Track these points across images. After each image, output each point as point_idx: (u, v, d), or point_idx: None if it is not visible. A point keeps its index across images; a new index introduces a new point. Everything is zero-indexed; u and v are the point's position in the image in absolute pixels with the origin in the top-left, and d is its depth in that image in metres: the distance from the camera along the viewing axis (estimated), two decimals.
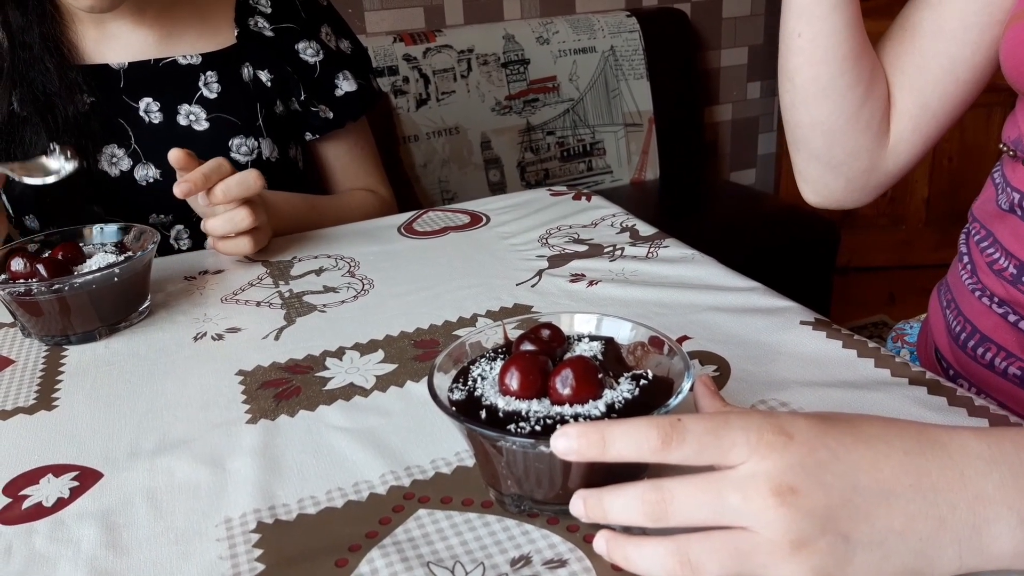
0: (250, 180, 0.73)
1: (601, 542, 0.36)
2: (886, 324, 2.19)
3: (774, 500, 0.32)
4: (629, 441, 0.34)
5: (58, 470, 0.48)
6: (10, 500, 0.45)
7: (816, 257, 1.91)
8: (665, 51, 2.14)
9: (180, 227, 0.91)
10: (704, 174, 2.35)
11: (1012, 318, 0.58)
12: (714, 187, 2.34)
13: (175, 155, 0.72)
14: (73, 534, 0.42)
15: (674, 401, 0.39)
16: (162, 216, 0.89)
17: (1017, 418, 0.46)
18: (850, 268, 2.32)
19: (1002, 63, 0.57)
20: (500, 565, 0.38)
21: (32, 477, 0.47)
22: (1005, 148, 0.60)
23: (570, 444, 0.34)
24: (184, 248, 0.91)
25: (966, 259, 0.64)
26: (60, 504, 0.45)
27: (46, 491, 0.46)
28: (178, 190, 0.70)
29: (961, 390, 0.48)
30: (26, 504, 0.45)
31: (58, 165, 0.75)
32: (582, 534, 0.39)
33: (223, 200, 0.72)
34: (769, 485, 0.32)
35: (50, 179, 0.73)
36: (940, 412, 0.47)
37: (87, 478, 0.47)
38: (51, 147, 0.76)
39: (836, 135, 0.65)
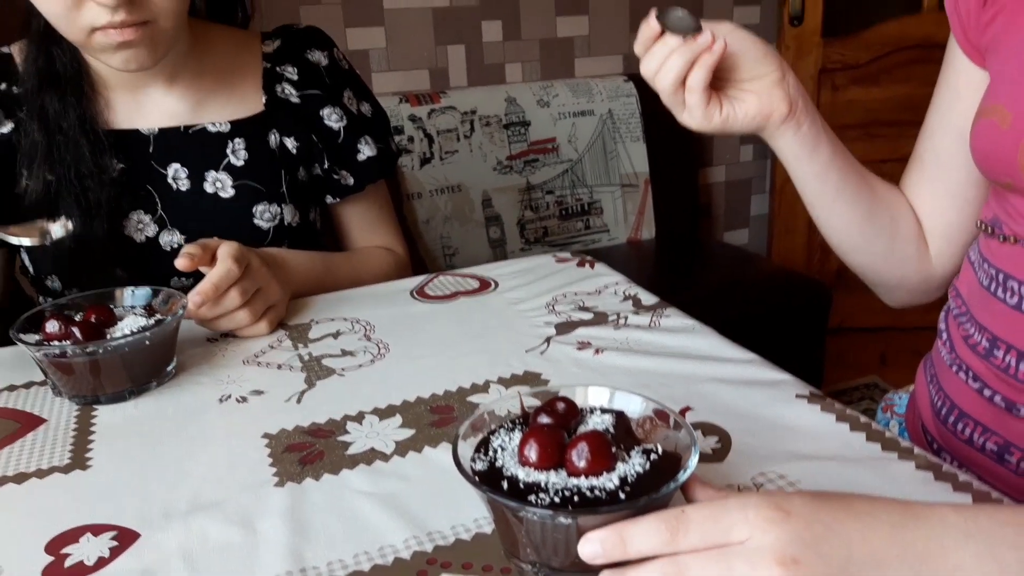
0: (231, 270, 0.76)
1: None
2: (877, 386, 2.23)
3: (779, 570, 0.35)
4: (644, 538, 0.38)
5: (96, 529, 0.50)
6: (52, 559, 0.48)
7: (809, 318, 1.96)
8: (661, 114, 2.18)
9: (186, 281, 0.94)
10: (698, 234, 2.40)
11: (987, 392, 0.61)
12: (708, 247, 2.40)
13: (183, 264, 0.75)
14: None
15: (683, 475, 0.42)
16: (183, 279, 0.93)
17: (999, 493, 0.49)
18: (843, 328, 2.36)
19: (972, 154, 0.63)
20: None
21: (72, 536, 0.50)
22: (982, 226, 0.64)
23: (595, 549, 0.38)
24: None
25: (944, 335, 0.68)
26: (101, 563, 0.47)
27: (87, 550, 0.48)
28: (180, 262, 0.74)
29: (947, 465, 0.52)
30: (68, 563, 0.47)
31: (57, 229, 0.79)
32: None
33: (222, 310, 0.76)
34: (774, 556, 0.35)
35: (44, 242, 0.76)
36: (927, 485, 0.50)
37: (125, 538, 0.49)
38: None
39: (880, 272, 0.75)
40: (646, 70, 0.65)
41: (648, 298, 0.83)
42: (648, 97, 2.18)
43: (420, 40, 2.06)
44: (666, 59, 0.63)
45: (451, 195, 2.03)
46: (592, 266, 0.94)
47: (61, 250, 0.86)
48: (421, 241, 2.03)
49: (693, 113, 0.65)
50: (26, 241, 0.77)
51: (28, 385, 0.71)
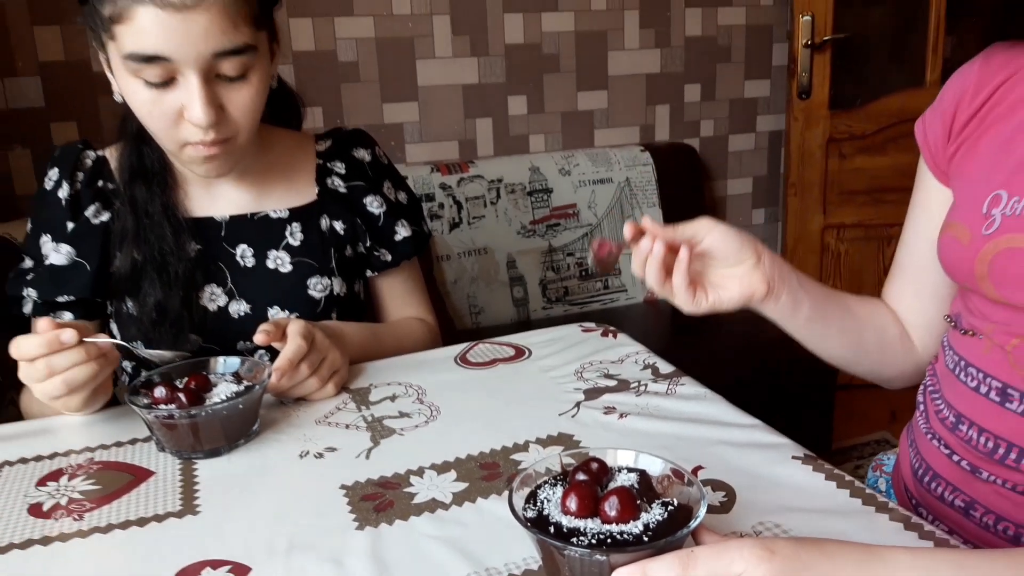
0: (300, 346, 0.87)
1: None
2: (888, 442, 2.30)
3: None
4: (662, 573, 0.48)
5: (215, 564, 0.62)
6: None
7: (818, 376, 2.05)
8: (676, 182, 2.35)
9: (262, 351, 1.07)
10: None
11: (955, 458, 0.72)
12: None
13: (261, 339, 0.87)
14: None
15: (694, 523, 0.53)
16: (248, 343, 1.05)
17: (959, 541, 0.59)
18: (852, 385, 2.44)
19: (940, 262, 0.74)
20: None
21: (195, 570, 0.61)
22: (948, 319, 0.76)
23: None
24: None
25: (922, 407, 0.79)
26: None
27: None
28: (258, 339, 0.87)
29: (916, 517, 0.62)
30: None
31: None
32: None
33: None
34: None
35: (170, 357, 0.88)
36: (898, 534, 0.61)
37: (239, 571, 0.61)
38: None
39: (879, 373, 0.87)
40: (635, 272, 0.74)
41: (665, 367, 0.95)
42: (663, 165, 2.32)
43: (451, 114, 2.22)
44: (645, 263, 0.72)
45: (478, 257, 2.16)
46: (615, 336, 1.06)
47: (145, 318, 0.98)
48: (449, 300, 2.16)
49: (682, 304, 0.74)
50: (155, 356, 0.88)
51: (133, 441, 0.83)
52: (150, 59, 0.83)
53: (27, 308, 0.99)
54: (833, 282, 2.51)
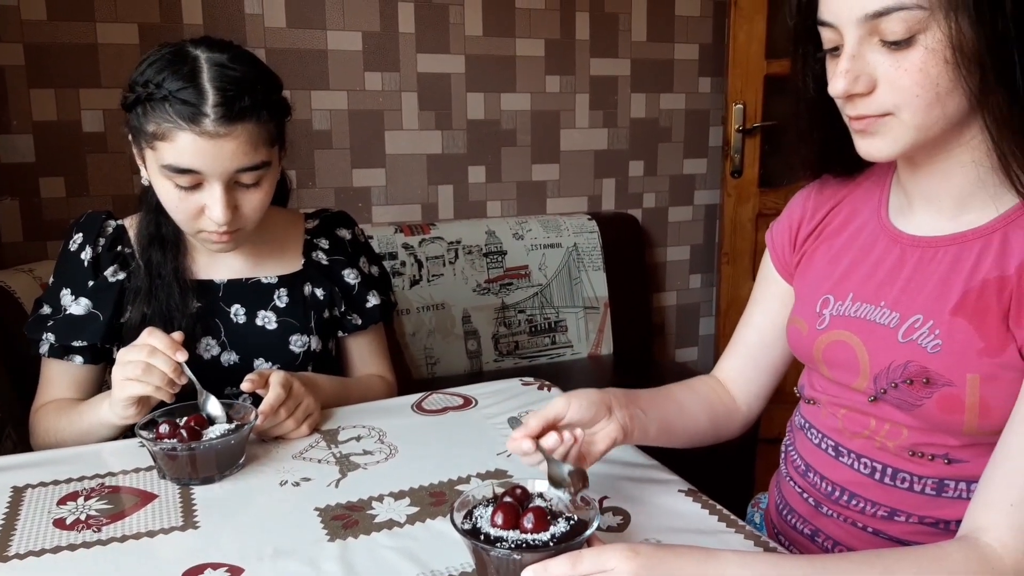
0: (280, 394, 1.04)
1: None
2: None
3: None
4: (557, 568, 0.65)
5: (214, 566, 0.77)
6: None
7: None
8: (620, 248, 2.57)
9: (246, 396, 1.23)
10: (652, 350, 2.72)
11: (804, 496, 0.92)
12: (661, 363, 2.72)
13: (247, 387, 1.04)
14: None
15: (587, 533, 0.71)
16: (234, 389, 1.21)
17: (784, 550, 0.78)
18: (778, 439, 2.65)
19: (788, 345, 0.95)
20: None
21: (199, 569, 0.77)
22: (797, 390, 0.96)
23: (530, 575, 0.65)
24: None
25: (783, 456, 0.99)
26: None
27: None
28: (244, 386, 1.04)
29: (765, 537, 0.81)
30: None
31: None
32: None
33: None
34: (629, 575, 0.64)
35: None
36: (743, 544, 0.79)
37: (235, 572, 0.76)
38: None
39: (716, 440, 1.03)
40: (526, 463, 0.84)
41: None
42: (608, 233, 2.54)
43: (415, 180, 2.41)
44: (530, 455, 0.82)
45: (435, 312, 2.34)
46: (549, 389, 1.24)
47: None
48: (407, 351, 2.32)
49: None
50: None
51: (136, 470, 0.98)
52: (184, 171, 1.01)
53: (43, 349, 1.14)
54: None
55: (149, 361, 0.98)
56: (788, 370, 1.03)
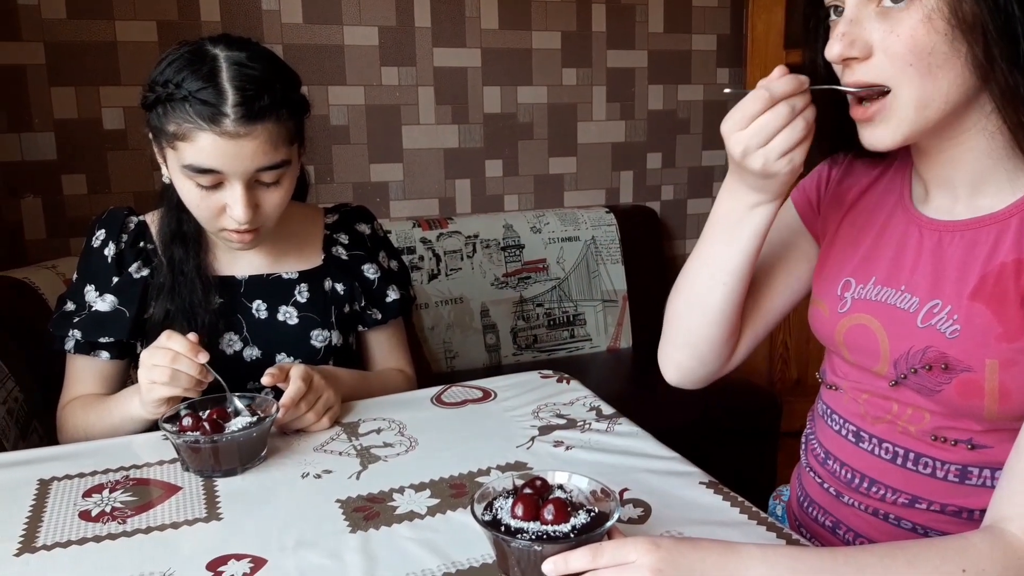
0: (300, 387, 1.04)
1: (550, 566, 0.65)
2: None
3: (651, 574, 0.63)
4: (577, 560, 0.65)
5: (238, 556, 0.78)
6: (212, 574, 0.76)
7: (762, 421, 2.24)
8: (637, 241, 2.56)
9: (267, 390, 1.23)
10: None
11: (825, 486, 0.91)
12: None
13: (268, 381, 1.05)
14: None
15: (607, 524, 0.71)
16: (256, 383, 1.22)
17: (806, 541, 0.78)
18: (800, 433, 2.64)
19: (811, 327, 0.94)
20: None
21: (223, 560, 0.78)
22: (819, 375, 0.95)
23: (550, 566, 0.65)
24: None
25: (804, 447, 0.98)
26: None
27: (234, 569, 0.76)
28: (265, 380, 1.04)
29: (786, 528, 0.81)
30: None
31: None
32: None
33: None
34: (649, 569, 0.64)
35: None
36: (765, 536, 0.79)
37: (258, 562, 0.77)
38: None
39: (715, 342, 0.94)
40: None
41: (607, 409, 1.13)
42: (626, 226, 2.53)
43: (432, 175, 2.42)
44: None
45: (454, 306, 2.34)
46: (568, 382, 1.24)
47: None
48: (426, 345, 2.33)
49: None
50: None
51: (160, 462, 0.99)
52: (205, 171, 1.02)
53: (69, 345, 1.16)
54: (776, 330, 2.71)
55: (174, 367, 0.99)
56: (796, 344, 1.02)
